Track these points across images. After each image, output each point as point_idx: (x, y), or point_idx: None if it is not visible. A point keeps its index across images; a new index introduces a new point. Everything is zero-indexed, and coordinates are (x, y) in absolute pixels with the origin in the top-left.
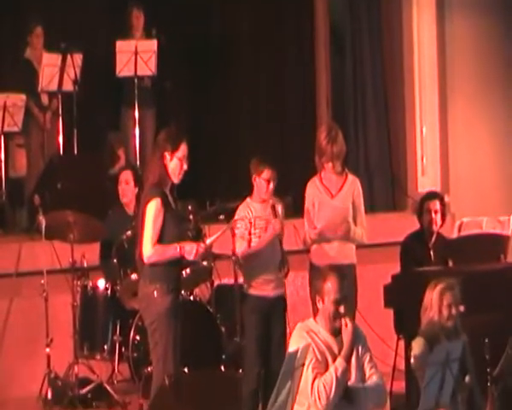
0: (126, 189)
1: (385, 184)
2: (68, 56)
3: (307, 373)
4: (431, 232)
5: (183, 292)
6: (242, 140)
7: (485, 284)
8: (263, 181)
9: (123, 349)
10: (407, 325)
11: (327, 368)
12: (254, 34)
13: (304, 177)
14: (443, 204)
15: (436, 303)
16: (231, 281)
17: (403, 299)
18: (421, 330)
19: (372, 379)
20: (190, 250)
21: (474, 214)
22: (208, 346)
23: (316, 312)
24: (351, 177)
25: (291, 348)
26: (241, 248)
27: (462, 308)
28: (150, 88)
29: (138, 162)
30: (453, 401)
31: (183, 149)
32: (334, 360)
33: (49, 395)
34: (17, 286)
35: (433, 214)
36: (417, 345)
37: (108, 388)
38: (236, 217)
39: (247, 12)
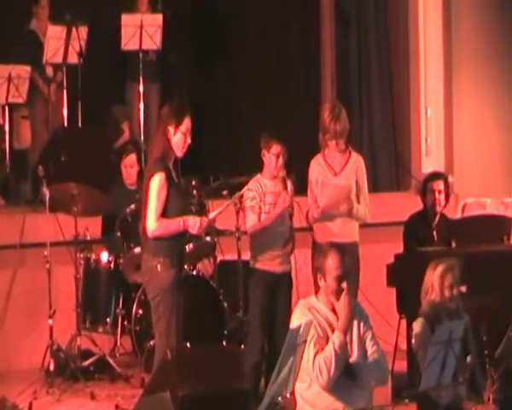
0: (132, 172)
1: (389, 163)
2: (73, 29)
3: (309, 350)
4: (434, 213)
5: (186, 267)
6: (246, 116)
7: (487, 265)
8: (272, 156)
9: (125, 323)
10: (409, 304)
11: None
12: (259, 9)
13: (308, 155)
14: (446, 185)
15: (437, 285)
16: (234, 257)
17: (405, 279)
18: (422, 311)
19: (374, 356)
20: (194, 224)
21: (478, 195)
22: (211, 321)
23: (317, 289)
24: (354, 155)
25: (293, 325)
26: (251, 221)
27: (463, 289)
28: (155, 62)
29: (142, 136)
30: (455, 381)
31: (186, 123)
32: None
33: (52, 367)
34: (21, 258)
35: (437, 195)
36: (418, 325)
37: (111, 361)
38: (247, 191)
39: None
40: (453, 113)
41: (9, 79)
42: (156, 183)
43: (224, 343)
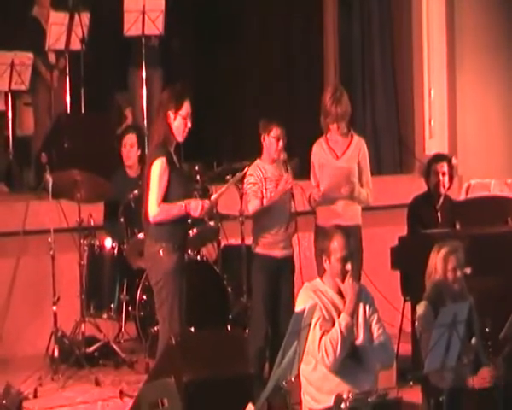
0: (131, 151)
1: (392, 146)
2: (76, 15)
3: (314, 331)
4: (438, 194)
5: (189, 252)
6: (249, 101)
7: (492, 247)
8: (272, 139)
9: (130, 308)
10: (414, 287)
11: (333, 327)
12: None
13: (311, 139)
14: (450, 166)
15: (441, 268)
16: (238, 241)
17: (410, 261)
18: (426, 294)
19: (380, 339)
20: (196, 207)
21: (482, 177)
22: (215, 306)
23: (322, 272)
24: (356, 138)
25: (298, 308)
26: (253, 205)
27: (468, 270)
28: (158, 48)
29: (146, 122)
30: (459, 363)
31: (186, 108)
32: None
33: (56, 353)
34: (24, 245)
35: (441, 176)
36: (421, 308)
37: (115, 347)
38: (248, 177)
39: None
40: (456, 94)
41: (12, 66)
42: (157, 168)
43: (229, 328)
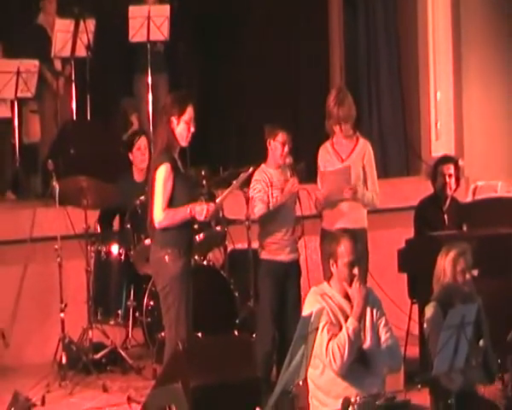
0: (145, 154)
1: (399, 148)
2: (81, 22)
3: (322, 335)
4: (445, 196)
5: (196, 257)
6: (255, 106)
7: (499, 248)
8: (278, 144)
9: (137, 314)
10: (421, 289)
11: (341, 331)
12: None
13: (317, 143)
14: (457, 168)
15: (450, 270)
16: (245, 246)
17: (417, 263)
18: (435, 296)
19: (387, 343)
20: (201, 211)
21: (489, 178)
22: (222, 311)
23: (329, 276)
24: (362, 140)
25: (305, 312)
26: (259, 210)
27: (475, 272)
28: (163, 53)
29: (151, 128)
30: (467, 365)
31: (189, 112)
32: None
33: (64, 360)
34: (31, 252)
35: (448, 178)
36: (430, 310)
37: (122, 353)
38: (255, 182)
39: None
40: (463, 96)
41: (18, 73)
42: (162, 174)
43: (236, 333)
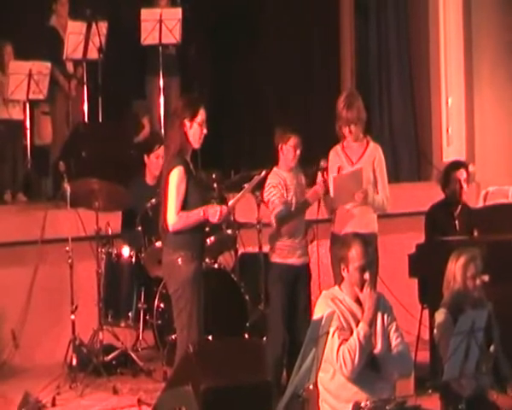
0: (161, 162)
1: (410, 153)
2: (93, 24)
3: (333, 340)
4: (457, 202)
5: (207, 260)
6: (267, 110)
7: (510, 254)
8: (290, 148)
9: (147, 317)
10: (432, 294)
11: (351, 335)
12: (278, 3)
13: (328, 147)
14: (467, 173)
15: (460, 275)
16: (255, 249)
17: (427, 268)
18: (445, 301)
19: (398, 349)
20: (214, 213)
21: (500, 184)
22: (232, 314)
23: (340, 280)
24: (372, 144)
25: (316, 316)
26: (280, 211)
27: (486, 278)
28: (175, 56)
29: (163, 131)
30: (478, 371)
31: (201, 115)
32: None
33: (74, 362)
34: (42, 253)
35: (461, 183)
36: (440, 315)
37: (133, 355)
38: (268, 187)
39: None
40: (474, 102)
41: (30, 75)
42: (175, 177)
43: (246, 336)
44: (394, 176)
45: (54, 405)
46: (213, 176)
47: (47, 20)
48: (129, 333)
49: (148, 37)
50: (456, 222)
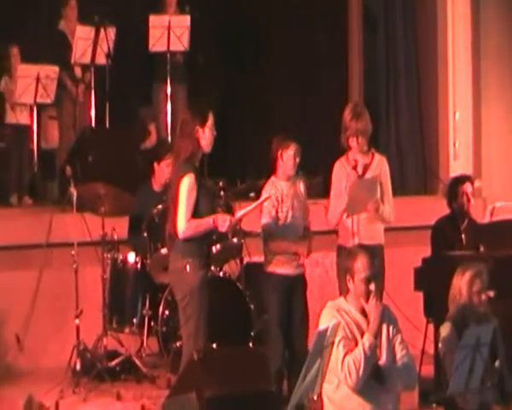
0: (168, 170)
1: (416, 167)
2: (102, 30)
3: (338, 350)
4: (464, 215)
5: (212, 268)
6: (273, 119)
7: None
8: (290, 156)
9: (152, 323)
10: (437, 308)
11: (356, 346)
12: (287, 13)
13: (334, 158)
14: (473, 187)
15: (465, 290)
16: (261, 259)
17: (433, 282)
18: (450, 316)
19: (403, 361)
20: (223, 222)
21: (507, 199)
22: (237, 323)
23: (345, 292)
24: (378, 156)
25: (321, 327)
26: (265, 222)
27: (491, 294)
28: (182, 64)
29: (170, 138)
30: (483, 386)
31: (211, 118)
32: None
33: (78, 367)
34: (48, 257)
35: (468, 196)
36: (445, 330)
37: (137, 361)
38: (263, 196)
39: None
40: (481, 117)
41: (38, 79)
42: (186, 184)
43: (251, 345)
44: (401, 189)
45: (57, 409)
46: (220, 184)
47: (56, 25)
48: (133, 339)
49: (157, 43)
50: (463, 236)
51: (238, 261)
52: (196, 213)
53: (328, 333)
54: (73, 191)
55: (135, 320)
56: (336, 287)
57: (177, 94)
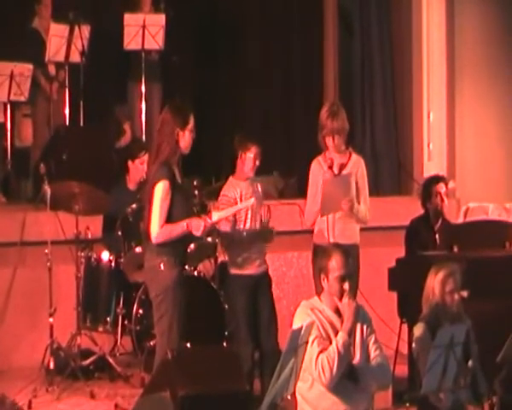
0: (145, 169)
1: (391, 168)
2: (76, 27)
3: (312, 349)
4: (438, 216)
5: (187, 267)
6: (248, 117)
7: (489, 271)
8: (250, 158)
9: (126, 322)
10: (411, 308)
11: (330, 345)
12: (262, 12)
13: (309, 158)
14: (447, 188)
15: (438, 290)
16: None
17: (407, 283)
18: (423, 316)
19: (377, 360)
20: (197, 226)
21: (480, 200)
22: (211, 322)
23: (320, 290)
24: (355, 156)
25: (295, 326)
26: (224, 227)
27: (465, 294)
28: (157, 62)
29: (144, 137)
30: (456, 386)
31: (191, 121)
32: None
33: (52, 365)
34: (21, 255)
35: (442, 197)
36: (419, 330)
37: (111, 360)
38: (222, 197)
39: None
40: (456, 118)
41: (12, 76)
42: (160, 191)
43: (225, 345)
44: (375, 189)
45: (30, 408)
46: (194, 183)
47: (30, 22)
48: (107, 338)
49: (131, 42)
50: (437, 237)
51: (212, 261)
52: (171, 217)
53: (303, 332)
54: (47, 189)
55: (109, 319)
56: (311, 287)
57: (152, 93)
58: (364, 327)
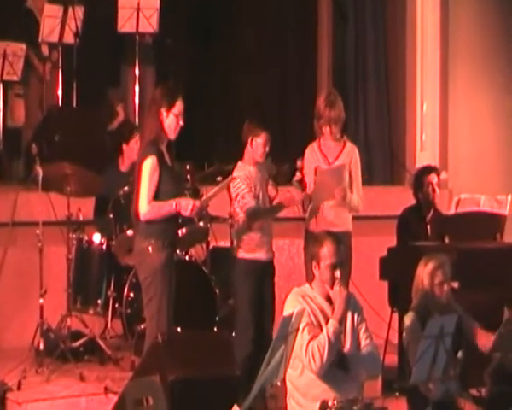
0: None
1: (383, 157)
2: (70, 8)
3: (302, 336)
4: (430, 206)
5: (178, 252)
6: (242, 103)
7: (480, 262)
8: (260, 144)
9: (116, 305)
10: (401, 298)
11: (321, 333)
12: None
13: (302, 145)
14: (439, 178)
15: (428, 281)
16: (227, 244)
17: (398, 272)
18: (413, 306)
19: (367, 349)
20: (186, 206)
21: (472, 192)
22: (202, 307)
23: (311, 278)
24: (349, 145)
25: (285, 313)
26: (249, 204)
27: (455, 285)
28: (151, 45)
29: (137, 119)
30: (445, 376)
31: (179, 106)
32: None
33: (42, 347)
34: (12, 236)
35: (434, 187)
36: (409, 319)
37: (101, 343)
38: (236, 181)
39: None
40: (449, 108)
41: (4, 56)
42: (148, 166)
43: (215, 330)
44: (368, 179)
45: (19, 388)
46: (187, 167)
47: (23, 2)
48: (97, 321)
49: (125, 24)
50: (428, 227)
51: (204, 246)
52: (159, 196)
53: (293, 319)
54: (39, 170)
55: (99, 301)
56: (303, 274)
57: (146, 75)
58: (355, 316)
